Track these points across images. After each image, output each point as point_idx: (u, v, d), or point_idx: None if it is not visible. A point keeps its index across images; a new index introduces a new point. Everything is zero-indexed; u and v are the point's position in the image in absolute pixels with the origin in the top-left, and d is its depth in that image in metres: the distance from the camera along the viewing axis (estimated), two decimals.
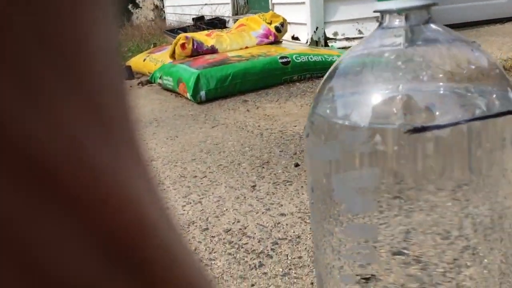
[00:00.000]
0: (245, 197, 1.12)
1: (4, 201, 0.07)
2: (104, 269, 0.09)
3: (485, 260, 0.34)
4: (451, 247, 0.34)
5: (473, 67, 0.35)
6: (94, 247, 0.09)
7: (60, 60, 0.08)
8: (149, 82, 2.45)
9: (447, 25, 0.37)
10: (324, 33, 2.83)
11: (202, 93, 2.02)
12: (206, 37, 2.44)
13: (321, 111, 0.35)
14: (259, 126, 1.66)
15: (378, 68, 0.36)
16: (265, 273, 0.83)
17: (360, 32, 2.83)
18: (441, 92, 0.35)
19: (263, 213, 1.04)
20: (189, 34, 2.45)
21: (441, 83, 0.35)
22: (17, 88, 0.08)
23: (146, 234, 0.10)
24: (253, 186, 1.18)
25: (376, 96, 0.35)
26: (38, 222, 0.08)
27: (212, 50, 2.36)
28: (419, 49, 0.36)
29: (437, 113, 0.32)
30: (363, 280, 0.40)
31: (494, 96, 0.34)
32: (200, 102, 2.02)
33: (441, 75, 0.35)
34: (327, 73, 0.37)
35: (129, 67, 2.65)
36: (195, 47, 2.34)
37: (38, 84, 0.08)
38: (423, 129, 0.31)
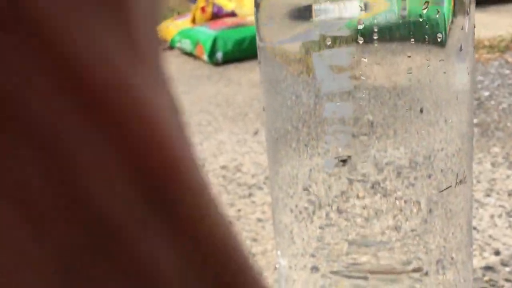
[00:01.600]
0: (246, 141, 1.13)
1: (45, 106, 0.07)
2: (135, 208, 0.08)
3: (398, 193, 0.39)
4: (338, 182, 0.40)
5: None
6: (126, 181, 0.08)
7: None
8: (170, 47, 2.47)
9: None
10: None
11: (219, 55, 2.02)
12: (226, 1, 2.44)
13: None
14: None
15: None
16: (253, 202, 0.83)
17: None
18: None
19: (261, 154, 1.05)
20: None
21: None
22: None
23: (178, 174, 0.09)
24: (256, 132, 1.18)
25: None
26: (73, 133, 0.08)
27: (232, 14, 2.36)
28: None
29: None
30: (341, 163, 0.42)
31: None
32: (217, 64, 2.02)
33: None
34: None
35: None
36: (215, 11, 2.34)
37: None
38: None
